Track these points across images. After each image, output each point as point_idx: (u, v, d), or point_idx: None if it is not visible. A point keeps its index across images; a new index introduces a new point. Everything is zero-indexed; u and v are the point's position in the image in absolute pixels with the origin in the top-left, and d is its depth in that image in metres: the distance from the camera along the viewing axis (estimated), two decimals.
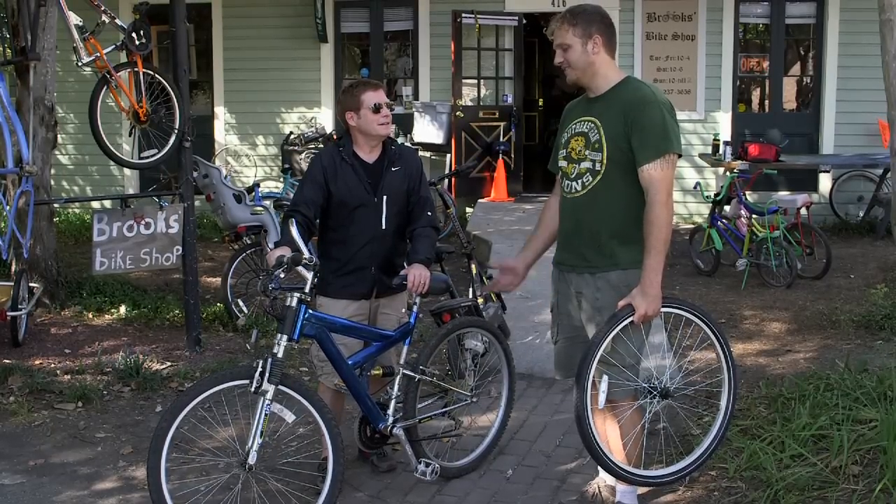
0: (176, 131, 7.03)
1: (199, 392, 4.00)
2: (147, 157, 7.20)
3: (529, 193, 13.19)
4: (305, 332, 4.23)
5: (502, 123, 13.00)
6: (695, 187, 10.46)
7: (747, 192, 10.01)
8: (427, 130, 12.66)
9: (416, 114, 12.77)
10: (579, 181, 4.09)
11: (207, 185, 8.45)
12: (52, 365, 6.90)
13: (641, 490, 4.40)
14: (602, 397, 3.98)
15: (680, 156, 3.99)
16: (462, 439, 5.27)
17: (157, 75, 7.13)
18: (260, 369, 4.01)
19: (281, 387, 4.06)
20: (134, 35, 6.98)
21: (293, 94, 13.35)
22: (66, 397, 6.18)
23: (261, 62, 13.20)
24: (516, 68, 13.26)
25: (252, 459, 4.00)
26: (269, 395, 4.01)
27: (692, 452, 4.34)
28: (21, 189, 7.45)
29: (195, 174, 7.90)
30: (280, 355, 4.08)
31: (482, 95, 13.24)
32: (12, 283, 7.43)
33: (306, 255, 4.22)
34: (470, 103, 12.98)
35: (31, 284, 7.86)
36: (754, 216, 9.37)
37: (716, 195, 9.75)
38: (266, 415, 4.01)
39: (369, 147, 4.77)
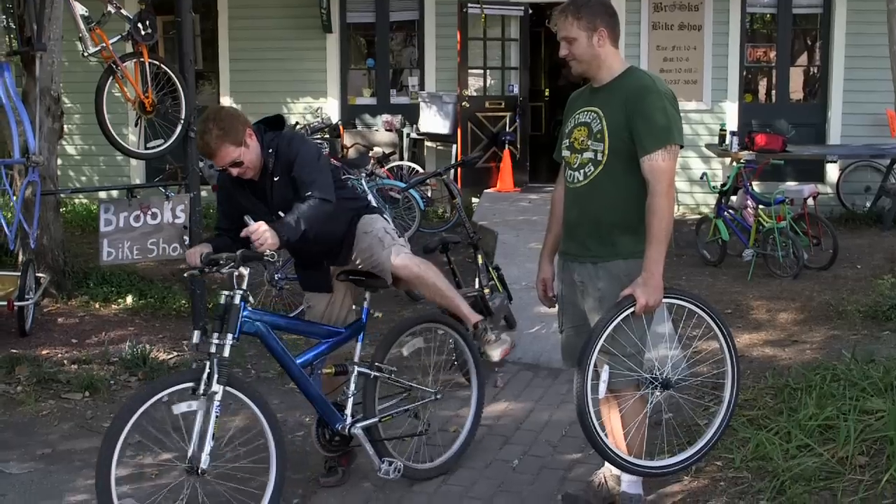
0: (182, 121, 7.02)
1: (146, 398, 3.87)
2: (153, 148, 7.20)
3: (535, 184, 13.18)
4: (245, 329, 4.12)
5: (508, 114, 12.98)
6: (701, 177, 10.45)
7: (754, 183, 9.99)
8: (433, 121, 12.64)
9: (421, 104, 12.76)
10: (581, 171, 4.08)
11: (213, 174, 8.45)
12: (60, 355, 6.92)
13: (647, 480, 4.40)
14: (603, 387, 3.97)
15: (682, 146, 3.98)
16: (438, 436, 5.09)
17: (162, 65, 7.13)
18: (207, 371, 3.91)
19: (228, 388, 3.96)
20: (139, 25, 6.98)
21: (299, 84, 13.34)
22: (73, 387, 6.20)
23: (266, 52, 13.19)
24: (522, 58, 13.23)
25: (205, 464, 3.89)
26: (219, 397, 3.89)
27: (695, 443, 4.34)
28: (28, 179, 7.45)
29: (201, 164, 7.90)
30: (226, 354, 3.96)
31: (488, 86, 13.23)
32: (19, 274, 7.46)
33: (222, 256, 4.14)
34: (476, 93, 12.97)
35: (38, 274, 7.88)
36: (761, 206, 9.36)
37: (722, 185, 9.73)
38: (217, 416, 3.90)
39: None
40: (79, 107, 13.04)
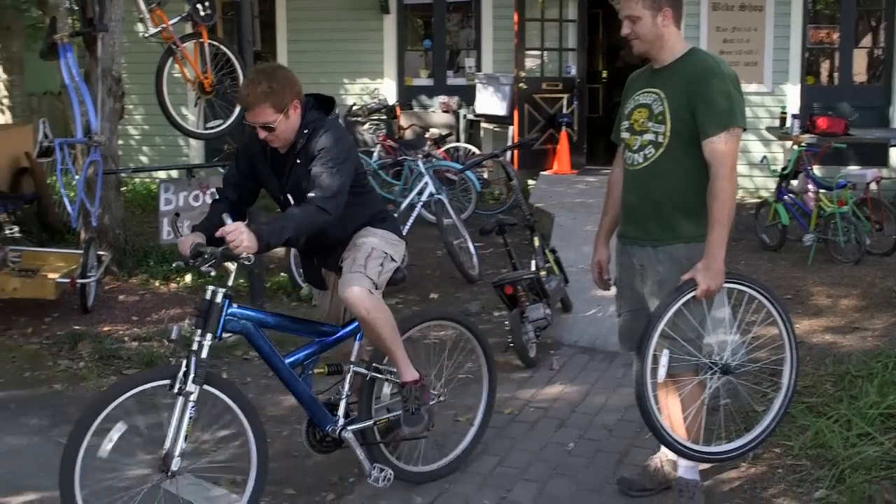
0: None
1: (117, 394, 3.72)
2: (212, 128, 7.28)
3: (592, 166, 13.09)
4: (229, 328, 3.95)
5: (565, 95, 12.90)
6: (761, 161, 10.30)
7: (815, 167, 9.83)
8: (490, 102, 12.60)
9: (478, 85, 12.72)
10: (641, 153, 4.05)
11: None
12: (120, 331, 7.03)
13: (704, 466, 4.38)
14: (662, 371, 3.94)
15: (744, 129, 3.92)
16: (445, 438, 4.93)
17: (221, 46, 7.19)
18: (184, 369, 3.75)
19: (206, 387, 3.81)
20: (199, 6, 7.05)
21: (356, 65, 13.37)
22: (133, 363, 6.29)
23: (324, 33, 13.23)
24: (580, 39, 13.13)
25: (176, 466, 3.73)
26: (194, 397, 3.74)
27: (753, 429, 4.29)
28: (90, 159, 7.59)
29: None
30: (204, 355, 3.79)
31: (545, 67, 13.15)
32: (81, 252, 7.57)
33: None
34: (533, 75, 12.90)
35: (100, 253, 7.99)
36: (822, 191, 9.20)
37: (783, 169, 9.59)
38: (191, 417, 3.75)
39: None
40: (139, 87, 13.17)
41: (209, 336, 3.82)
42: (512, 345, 6.24)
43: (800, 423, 4.86)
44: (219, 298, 3.86)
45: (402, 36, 13.49)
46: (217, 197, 4.38)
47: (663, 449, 4.39)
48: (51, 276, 7.30)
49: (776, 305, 4.20)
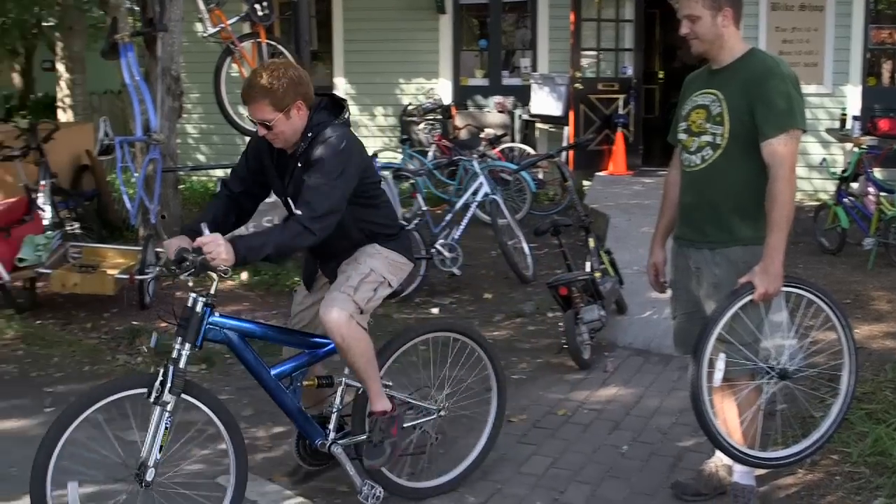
0: None
1: (92, 401, 3.63)
2: None
3: (648, 167, 13.00)
4: (210, 337, 3.84)
5: (621, 96, 12.83)
6: (821, 163, 10.17)
7: (876, 169, 9.68)
8: (545, 102, 12.58)
9: (533, 85, 12.70)
10: (699, 155, 4.02)
11: None
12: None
13: (759, 471, 4.33)
14: (718, 375, 3.90)
15: (804, 131, 3.87)
16: (452, 454, 4.75)
17: (278, 45, 7.25)
18: (161, 378, 3.65)
19: (184, 395, 3.72)
20: (257, 6, 7.12)
21: (411, 65, 13.40)
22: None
23: (380, 33, 13.29)
24: (636, 40, 13.06)
25: (150, 476, 3.65)
26: (170, 407, 3.65)
27: (810, 435, 4.24)
28: (149, 157, 7.70)
29: None
30: (182, 365, 3.70)
31: (601, 67, 13.08)
32: (140, 248, 7.67)
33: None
34: (589, 75, 12.84)
35: (158, 249, 8.08)
36: (883, 194, 9.05)
37: (843, 172, 9.45)
38: (167, 427, 3.66)
39: None
40: (198, 86, 13.34)
41: (187, 346, 3.72)
42: (566, 346, 6.22)
43: (858, 429, 4.79)
44: (199, 307, 3.75)
45: (457, 36, 13.50)
46: (220, 190, 4.22)
47: (718, 453, 4.35)
48: (110, 272, 7.40)
49: (835, 310, 4.14)
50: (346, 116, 4.05)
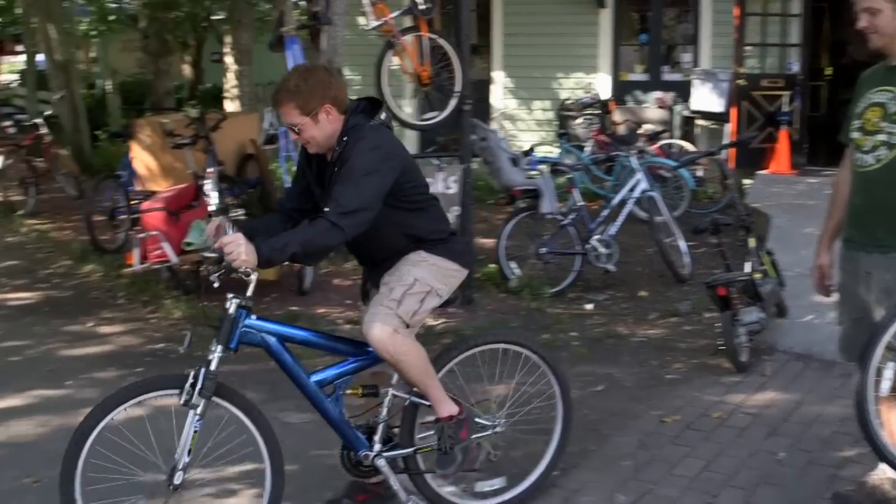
0: (456, 94, 7.17)
1: (124, 399, 3.61)
2: (428, 119, 7.41)
3: (814, 167, 12.54)
4: (246, 340, 3.74)
5: (786, 93, 12.42)
6: None
7: None
8: (706, 98, 12.33)
9: (695, 81, 12.47)
10: (872, 154, 3.87)
11: (485, 147, 8.60)
12: (334, 314, 7.27)
13: None
14: (886, 385, 3.75)
15: None
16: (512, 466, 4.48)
17: (439, 39, 7.30)
18: (191, 380, 3.58)
19: (215, 398, 3.64)
20: (419, 0, 7.18)
21: (570, 59, 13.35)
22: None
23: (539, 27, 13.26)
24: (803, 35, 12.64)
25: (178, 479, 3.61)
26: (200, 410, 3.59)
27: None
28: None
29: (473, 137, 8.05)
30: (213, 367, 3.61)
31: (766, 63, 12.73)
32: None
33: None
34: (752, 71, 12.50)
35: None
36: None
37: None
38: (196, 431, 3.60)
39: None
40: (360, 79, 13.57)
41: (220, 348, 3.65)
42: (722, 347, 6.09)
43: None
44: (232, 309, 3.67)
45: (617, 30, 13.37)
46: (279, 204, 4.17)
47: (882, 466, 4.18)
48: None
49: None
50: (381, 117, 3.90)
